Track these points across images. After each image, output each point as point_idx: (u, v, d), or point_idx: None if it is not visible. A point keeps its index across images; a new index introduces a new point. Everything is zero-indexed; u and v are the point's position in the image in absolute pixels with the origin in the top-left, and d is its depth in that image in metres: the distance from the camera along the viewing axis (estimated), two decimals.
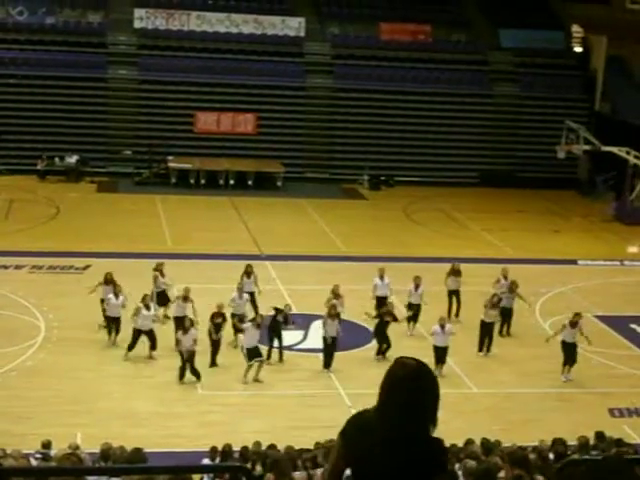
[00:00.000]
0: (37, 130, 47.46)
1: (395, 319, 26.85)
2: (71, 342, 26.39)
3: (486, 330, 27.28)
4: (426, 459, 5.09)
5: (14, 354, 25.47)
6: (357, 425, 5.28)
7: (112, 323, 26.36)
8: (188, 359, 24.44)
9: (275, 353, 26.19)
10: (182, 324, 24.83)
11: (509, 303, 28.59)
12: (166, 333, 26.21)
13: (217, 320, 25.53)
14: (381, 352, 26.52)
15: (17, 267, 32.73)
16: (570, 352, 25.94)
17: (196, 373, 24.58)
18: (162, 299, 28.01)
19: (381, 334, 26.55)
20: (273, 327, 25.98)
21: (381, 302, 28.42)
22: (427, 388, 5.15)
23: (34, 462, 15.28)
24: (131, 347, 25.62)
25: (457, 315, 29.64)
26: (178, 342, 24.66)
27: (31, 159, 46.45)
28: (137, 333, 25.59)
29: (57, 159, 46.84)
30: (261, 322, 25.17)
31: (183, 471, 7.39)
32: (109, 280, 27.07)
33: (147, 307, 25.65)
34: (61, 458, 14.07)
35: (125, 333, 26.01)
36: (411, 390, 5.08)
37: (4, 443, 17.06)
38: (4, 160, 46.44)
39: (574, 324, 25.92)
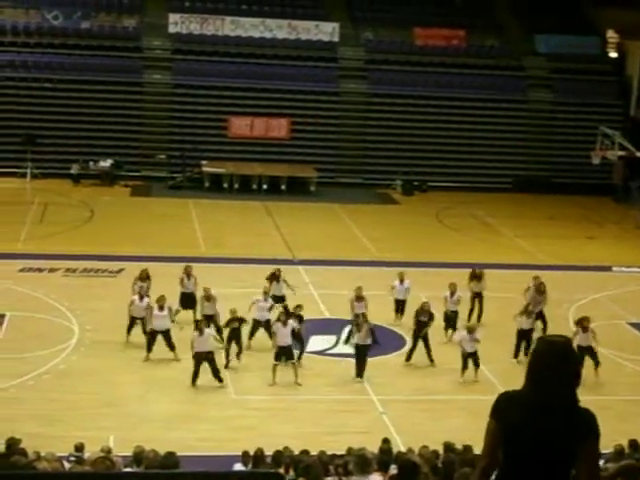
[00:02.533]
0: (72, 134, 47.77)
1: (431, 318, 26.62)
2: (104, 345, 26.46)
3: (522, 337, 27.10)
4: (579, 423, 5.51)
5: (47, 357, 25.57)
6: (508, 400, 5.64)
7: (135, 323, 26.47)
8: (207, 360, 24.35)
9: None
10: (201, 324, 24.77)
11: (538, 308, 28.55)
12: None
13: (233, 325, 25.48)
14: (409, 356, 26.42)
15: (51, 270, 32.91)
16: (587, 356, 25.72)
17: (218, 376, 24.50)
18: (187, 301, 28.06)
19: (415, 336, 26.40)
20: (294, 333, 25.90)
21: (399, 305, 28.64)
22: (573, 359, 5.65)
23: (67, 465, 15.32)
24: (149, 348, 25.65)
25: (478, 320, 29.39)
26: (192, 344, 24.57)
27: (65, 163, 46.75)
28: (153, 334, 25.66)
29: (91, 163, 47.10)
30: (286, 320, 25.06)
31: (218, 477, 7.38)
32: (144, 277, 27.56)
33: (161, 308, 25.63)
34: (94, 461, 14.09)
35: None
36: (561, 362, 5.53)
37: (37, 445, 17.11)
38: (39, 164, 46.72)
39: (585, 329, 25.71)
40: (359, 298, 27.53)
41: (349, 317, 27.34)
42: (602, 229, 43.89)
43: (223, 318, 26.02)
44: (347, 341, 27.24)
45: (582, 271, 36.28)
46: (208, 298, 26.79)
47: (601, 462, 15.77)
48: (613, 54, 53.04)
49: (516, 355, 27.05)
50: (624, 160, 47.70)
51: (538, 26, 53.34)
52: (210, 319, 26.00)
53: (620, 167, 49.62)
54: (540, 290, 28.77)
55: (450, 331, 28.15)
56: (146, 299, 26.43)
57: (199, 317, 26.80)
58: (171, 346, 25.75)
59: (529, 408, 5.47)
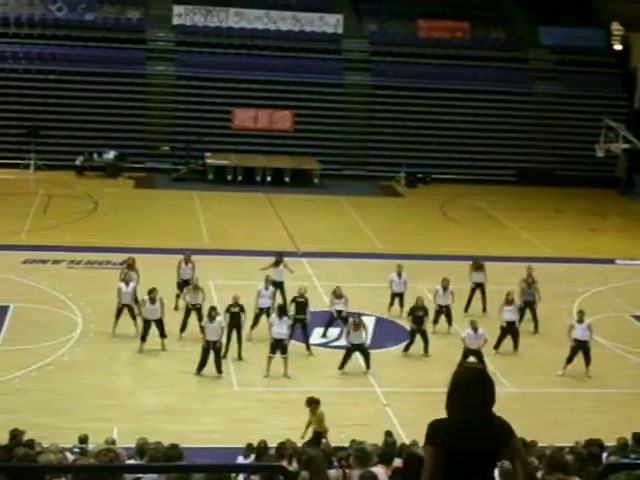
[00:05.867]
0: (76, 126, 47.77)
1: (426, 312, 26.75)
2: (108, 337, 26.50)
3: (507, 330, 27.15)
4: (500, 431, 6.58)
5: (51, 348, 25.63)
6: (439, 428, 6.56)
7: (122, 311, 26.62)
8: (214, 349, 24.45)
9: (299, 346, 26.17)
10: (212, 312, 24.88)
11: (528, 298, 28.58)
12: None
13: (234, 310, 25.55)
14: (407, 348, 26.57)
15: (55, 262, 32.94)
16: (584, 350, 25.74)
17: (219, 367, 24.59)
18: (183, 288, 28.41)
19: (412, 332, 26.52)
20: (299, 311, 25.98)
21: (398, 299, 28.90)
22: (489, 384, 6.62)
23: (71, 457, 15.34)
24: (143, 337, 25.77)
25: (484, 310, 29.51)
26: (203, 330, 24.71)
27: (70, 155, 46.76)
28: (147, 323, 25.81)
29: (95, 155, 47.11)
30: (285, 310, 25.19)
31: (222, 470, 7.40)
32: (131, 265, 27.96)
33: (152, 301, 25.72)
34: (98, 453, 14.11)
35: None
36: (480, 388, 6.57)
37: (41, 437, 17.16)
38: (43, 156, 46.72)
39: (581, 321, 25.74)
40: (339, 296, 27.49)
41: (354, 310, 27.28)
42: (606, 222, 43.87)
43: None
44: (324, 335, 27.32)
45: (586, 264, 36.26)
46: (196, 288, 27.07)
47: (604, 455, 15.82)
48: (618, 46, 52.93)
49: (496, 347, 26.99)
50: (628, 153, 47.65)
51: (542, 18, 53.23)
52: (195, 307, 26.59)
53: (624, 160, 49.57)
54: (527, 281, 28.89)
55: (443, 325, 28.17)
56: (132, 284, 26.58)
57: (181, 303, 27.57)
58: (163, 334, 25.90)
59: (461, 431, 6.47)
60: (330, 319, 27.38)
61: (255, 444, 17.72)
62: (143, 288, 26.63)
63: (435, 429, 6.54)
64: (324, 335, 27.45)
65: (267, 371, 24.78)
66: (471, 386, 6.53)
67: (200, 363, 24.51)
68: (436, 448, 6.48)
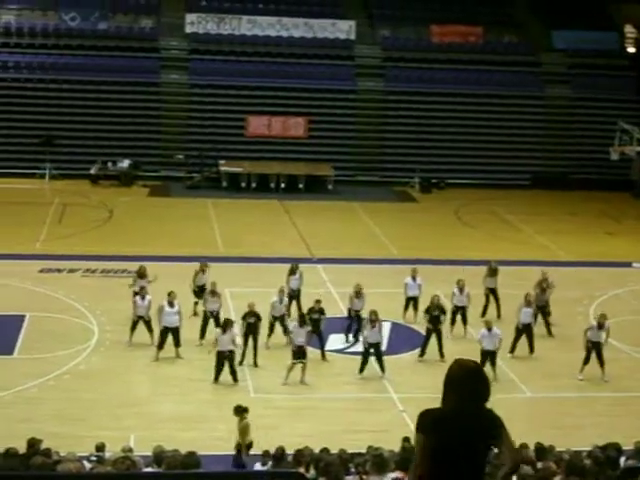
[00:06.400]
0: (90, 135, 47.96)
1: (443, 311, 26.75)
2: (124, 345, 26.53)
3: (522, 332, 27.11)
4: (491, 423, 6.75)
5: (68, 357, 25.66)
6: (432, 417, 6.75)
7: (137, 323, 26.62)
8: (227, 359, 24.48)
9: (315, 353, 26.16)
10: (219, 322, 24.94)
11: (542, 303, 28.55)
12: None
13: (250, 320, 25.58)
14: (423, 349, 26.53)
15: (71, 271, 33.02)
16: (597, 353, 25.65)
17: (234, 374, 24.61)
18: (200, 294, 28.48)
19: (428, 331, 26.49)
20: (313, 326, 25.97)
21: (412, 302, 28.90)
22: (484, 379, 6.86)
23: (88, 465, 15.35)
24: (160, 346, 25.75)
25: (498, 316, 29.39)
26: (216, 342, 24.71)
27: (84, 164, 46.92)
28: (164, 331, 25.78)
29: (110, 164, 47.25)
30: (302, 321, 25.17)
31: (239, 477, 7.42)
32: (142, 274, 27.97)
33: (171, 304, 25.80)
34: (115, 461, 14.14)
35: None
36: (476, 383, 6.79)
37: (58, 445, 17.18)
38: (58, 165, 46.89)
39: (601, 325, 25.66)
40: (358, 294, 27.55)
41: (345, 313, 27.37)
42: (621, 225, 43.73)
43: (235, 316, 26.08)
44: (356, 338, 27.31)
45: (602, 267, 36.12)
46: (213, 293, 27.09)
47: (622, 460, 15.75)
48: (631, 49, 52.86)
49: (512, 350, 26.94)
50: None
51: (555, 22, 53.18)
52: (213, 314, 26.72)
53: (639, 162, 49.42)
54: (541, 287, 28.84)
55: (460, 327, 28.15)
56: (148, 297, 26.60)
57: (200, 309, 27.67)
58: (178, 344, 25.92)
59: (452, 421, 6.67)
60: (349, 324, 27.42)
61: (272, 451, 17.71)
62: (158, 297, 26.65)
63: (426, 418, 6.76)
64: (347, 340, 27.45)
65: (286, 378, 24.75)
66: (466, 380, 6.78)
67: (216, 373, 24.54)
68: (426, 436, 6.71)
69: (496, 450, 6.91)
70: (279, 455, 17.26)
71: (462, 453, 6.67)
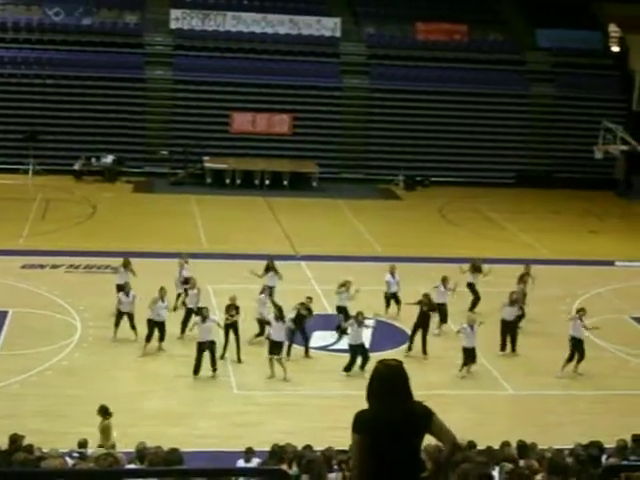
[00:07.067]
0: (74, 130, 47.78)
1: (433, 308, 26.82)
2: (107, 341, 26.50)
3: (507, 329, 27.21)
4: (421, 414, 7.11)
5: (50, 353, 25.60)
6: (365, 418, 7.08)
7: (121, 318, 26.67)
8: (209, 350, 24.47)
9: (298, 350, 26.16)
10: (203, 311, 24.99)
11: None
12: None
13: (231, 312, 25.58)
14: (409, 349, 26.60)
15: (54, 266, 32.92)
16: (579, 348, 25.75)
17: (214, 365, 24.63)
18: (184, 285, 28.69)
19: (415, 326, 26.58)
20: (297, 322, 25.97)
21: (393, 298, 29.16)
22: (405, 378, 7.15)
23: (71, 461, 15.32)
24: (148, 338, 25.87)
25: (472, 309, 29.44)
26: (197, 330, 24.82)
27: (68, 159, 46.75)
28: (151, 324, 25.88)
29: (93, 159, 47.11)
30: (282, 315, 25.21)
31: (221, 474, 7.40)
32: (126, 265, 28.34)
33: (162, 299, 26.00)
34: (98, 458, 14.11)
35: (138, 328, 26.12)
36: (399, 382, 7.13)
37: (40, 442, 17.13)
38: (41, 160, 46.72)
39: (580, 319, 25.78)
40: (343, 286, 27.87)
41: (353, 313, 27.31)
42: (604, 223, 43.85)
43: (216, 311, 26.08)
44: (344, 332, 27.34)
45: (585, 265, 36.25)
46: (193, 287, 27.37)
47: (604, 458, 15.80)
48: (615, 48, 52.96)
49: (502, 348, 27.05)
50: (626, 154, 47.65)
51: (539, 20, 53.27)
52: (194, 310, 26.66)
53: (622, 161, 49.59)
54: (523, 280, 29.08)
55: (440, 324, 28.29)
56: (132, 293, 26.62)
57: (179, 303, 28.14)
58: (162, 338, 26.05)
59: (383, 420, 7.00)
60: (338, 324, 27.51)
61: (255, 448, 17.70)
62: (142, 292, 26.62)
63: (359, 419, 7.10)
64: (340, 337, 27.52)
65: (272, 373, 24.76)
66: (385, 381, 7.14)
67: (196, 365, 24.53)
68: (361, 436, 7.03)
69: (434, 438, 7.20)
70: (261, 452, 17.24)
71: (397, 449, 6.97)
